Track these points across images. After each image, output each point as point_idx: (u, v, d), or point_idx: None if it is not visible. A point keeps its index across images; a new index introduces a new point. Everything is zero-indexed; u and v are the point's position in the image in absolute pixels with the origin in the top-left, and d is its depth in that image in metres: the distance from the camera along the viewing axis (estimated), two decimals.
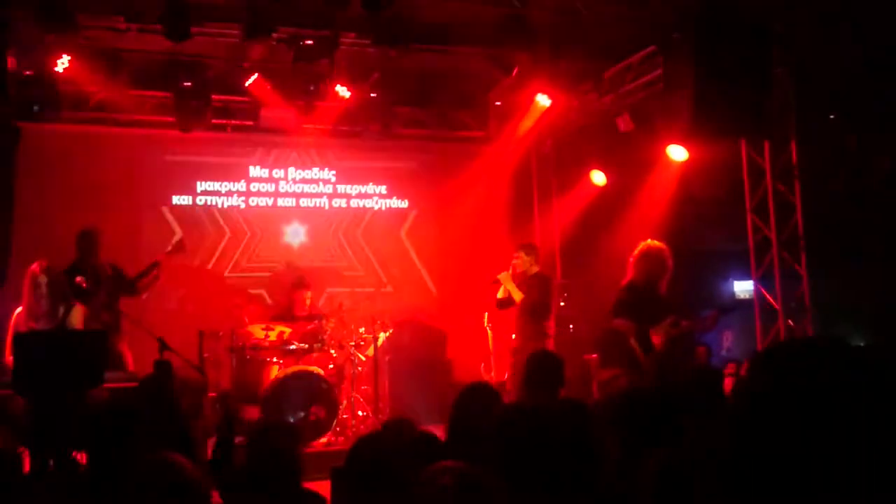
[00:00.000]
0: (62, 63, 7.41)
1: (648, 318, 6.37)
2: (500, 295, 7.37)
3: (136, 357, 7.40)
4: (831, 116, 8.14)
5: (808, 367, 1.12)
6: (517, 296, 7.16)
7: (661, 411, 2.82)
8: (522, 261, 7.29)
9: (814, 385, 1.10)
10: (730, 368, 8.01)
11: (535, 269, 7.29)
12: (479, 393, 3.62)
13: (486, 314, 8.24)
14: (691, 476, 2.12)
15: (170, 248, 7.89)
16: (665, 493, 2.20)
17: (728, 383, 6.73)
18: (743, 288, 9.18)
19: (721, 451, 1.16)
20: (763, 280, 7.58)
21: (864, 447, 1.05)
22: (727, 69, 6.52)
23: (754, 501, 1.10)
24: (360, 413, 7.92)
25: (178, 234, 9.01)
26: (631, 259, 6.49)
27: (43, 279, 6.21)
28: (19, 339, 5.63)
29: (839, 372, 1.11)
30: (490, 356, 8.08)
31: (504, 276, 7.27)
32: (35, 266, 6.27)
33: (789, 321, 7.33)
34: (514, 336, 7.25)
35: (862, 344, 1.24)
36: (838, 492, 1.05)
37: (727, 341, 10.01)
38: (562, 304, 9.10)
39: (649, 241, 6.56)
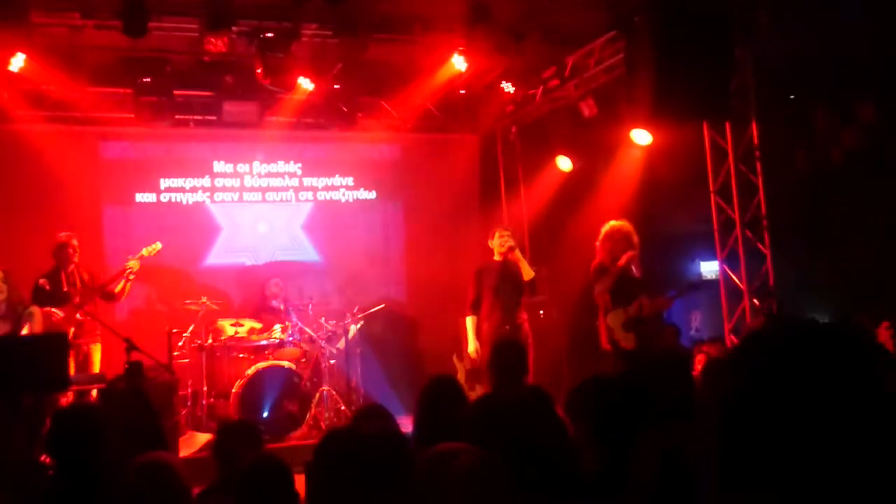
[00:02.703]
0: (17, 62, 7.27)
1: (621, 299, 6.47)
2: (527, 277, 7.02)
3: (105, 357, 7.36)
4: (791, 97, 8.24)
5: (802, 349, 1.09)
6: (529, 273, 7.00)
7: (632, 396, 2.85)
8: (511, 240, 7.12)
9: (811, 367, 1.07)
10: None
11: None
12: (443, 385, 3.66)
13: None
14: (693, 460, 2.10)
15: (145, 252, 7.80)
16: (669, 475, 2.18)
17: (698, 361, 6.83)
18: (709, 268, 9.29)
19: (719, 435, 1.12)
20: (728, 260, 7.68)
21: (868, 432, 1.04)
22: (688, 52, 6.55)
23: (754, 489, 1.07)
24: (333, 406, 7.91)
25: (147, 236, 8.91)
26: (597, 242, 6.59)
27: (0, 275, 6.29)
28: None
29: (834, 353, 1.08)
30: (463, 345, 8.07)
31: (519, 255, 7.04)
32: None
33: (754, 300, 7.43)
34: (509, 317, 6.94)
35: (827, 321, 1.20)
36: (839, 476, 1.03)
37: (695, 321, 10.13)
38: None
39: (612, 221, 6.66)
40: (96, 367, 7.29)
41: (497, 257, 7.10)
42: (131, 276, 7.59)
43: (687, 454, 2.10)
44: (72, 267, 7.41)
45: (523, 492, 2.10)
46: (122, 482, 2.91)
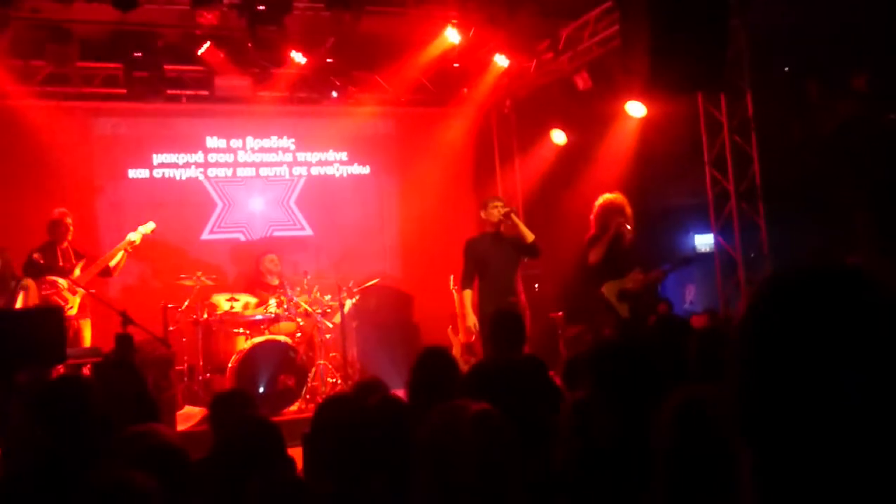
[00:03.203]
0: (7, 37, 7.19)
1: (615, 271, 6.50)
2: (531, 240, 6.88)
3: (100, 333, 7.36)
4: (785, 68, 8.21)
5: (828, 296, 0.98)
6: (530, 235, 6.84)
7: (634, 363, 2.84)
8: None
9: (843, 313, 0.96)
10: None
11: None
12: (436, 357, 3.70)
13: (452, 277, 8.07)
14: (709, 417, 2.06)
15: (141, 230, 7.77)
16: (684, 434, 2.14)
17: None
18: (703, 241, 9.29)
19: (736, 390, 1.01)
20: (723, 232, 7.69)
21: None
22: (682, 23, 6.51)
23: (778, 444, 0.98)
24: (329, 380, 7.94)
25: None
26: (591, 215, 6.60)
27: None
28: None
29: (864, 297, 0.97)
30: (457, 318, 8.08)
31: (516, 219, 6.93)
32: None
33: (749, 271, 7.45)
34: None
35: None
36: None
37: (690, 294, 10.15)
38: None
39: (606, 194, 6.67)
40: (87, 343, 7.30)
41: (491, 228, 6.99)
42: (129, 249, 7.61)
43: (706, 416, 2.07)
44: (66, 243, 7.43)
45: (534, 447, 2.09)
46: (113, 452, 2.91)
